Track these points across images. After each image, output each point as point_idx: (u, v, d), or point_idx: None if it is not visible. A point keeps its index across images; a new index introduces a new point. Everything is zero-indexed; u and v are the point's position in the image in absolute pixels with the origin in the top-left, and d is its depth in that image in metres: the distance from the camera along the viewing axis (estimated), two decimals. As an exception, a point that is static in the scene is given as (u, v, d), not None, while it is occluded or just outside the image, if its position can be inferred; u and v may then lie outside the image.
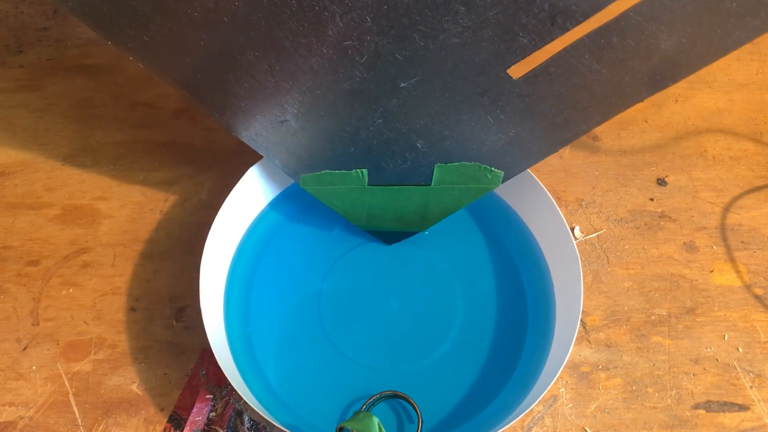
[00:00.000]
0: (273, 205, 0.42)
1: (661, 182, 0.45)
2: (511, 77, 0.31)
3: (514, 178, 0.40)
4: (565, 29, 0.28)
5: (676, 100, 0.50)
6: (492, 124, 0.33)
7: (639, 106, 0.49)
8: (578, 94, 0.31)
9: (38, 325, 0.40)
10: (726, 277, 0.41)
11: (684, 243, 0.43)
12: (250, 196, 0.40)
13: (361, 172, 0.36)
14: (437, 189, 0.37)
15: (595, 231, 0.43)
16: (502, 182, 0.36)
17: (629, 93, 0.31)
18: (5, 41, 0.53)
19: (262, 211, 0.42)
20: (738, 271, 0.42)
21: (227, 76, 0.32)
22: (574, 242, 0.36)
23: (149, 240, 0.43)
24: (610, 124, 0.48)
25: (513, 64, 0.30)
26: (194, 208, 0.44)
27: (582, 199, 0.45)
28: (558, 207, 0.38)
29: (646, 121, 0.49)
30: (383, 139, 0.35)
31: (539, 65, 0.30)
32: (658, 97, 0.50)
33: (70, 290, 0.41)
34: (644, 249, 0.42)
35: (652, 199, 0.45)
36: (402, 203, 0.38)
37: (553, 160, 0.46)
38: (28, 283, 0.41)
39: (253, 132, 0.35)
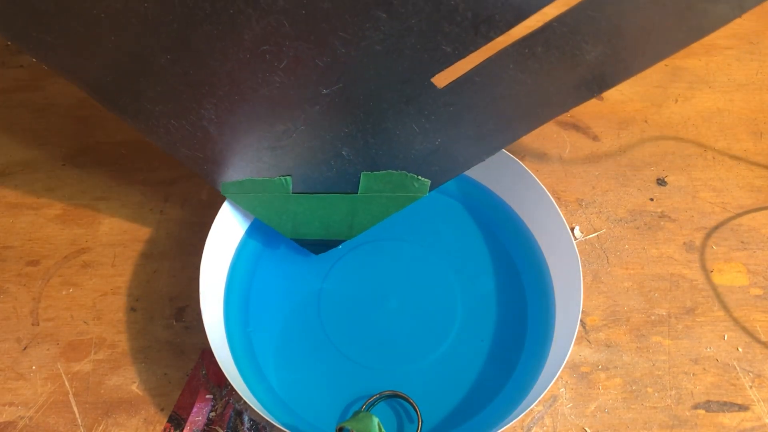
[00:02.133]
0: (273, 205, 0.42)
1: (661, 182, 0.45)
2: (435, 86, 0.30)
3: (515, 178, 0.40)
4: (488, 38, 0.28)
5: (676, 100, 0.50)
6: (418, 133, 0.33)
7: (638, 106, 0.49)
8: (504, 103, 0.31)
9: (38, 325, 0.40)
10: (726, 277, 0.41)
11: (684, 243, 0.43)
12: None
13: (285, 179, 0.35)
14: (364, 197, 0.36)
15: (595, 231, 0.43)
16: (430, 190, 0.36)
17: (555, 103, 0.31)
18: (5, 41, 0.53)
19: (262, 211, 0.42)
20: (738, 271, 0.42)
21: (139, 80, 0.30)
22: (574, 242, 0.36)
23: (149, 240, 0.43)
24: (610, 124, 0.48)
25: (437, 73, 0.30)
26: (194, 208, 0.44)
27: (582, 199, 0.45)
28: (558, 207, 0.38)
29: (646, 121, 0.49)
30: (307, 147, 0.34)
31: (463, 74, 0.30)
32: (658, 97, 0.50)
33: (70, 290, 0.41)
34: (644, 249, 0.42)
35: (652, 199, 0.45)
36: (328, 211, 0.37)
37: (553, 160, 0.47)
38: (28, 283, 0.41)
39: (169, 138, 0.33)
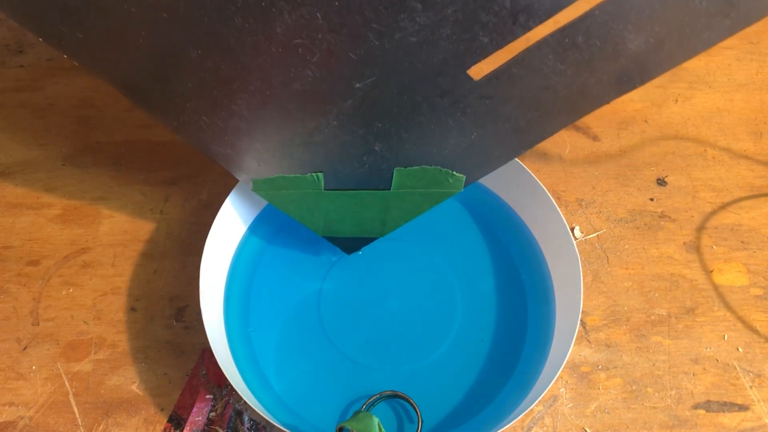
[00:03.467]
0: (273, 205, 0.42)
1: (661, 182, 0.45)
2: (471, 78, 0.29)
3: (515, 178, 0.40)
4: (527, 28, 0.27)
5: (676, 100, 0.50)
6: (452, 127, 0.32)
7: (638, 106, 0.49)
8: (542, 96, 0.30)
9: (38, 325, 0.40)
10: (726, 277, 0.41)
11: (684, 243, 0.43)
12: (251, 196, 0.40)
13: (317, 176, 0.35)
14: (397, 193, 0.35)
15: (595, 231, 0.43)
16: (465, 186, 0.35)
17: (595, 95, 0.30)
18: (5, 41, 0.53)
19: (262, 211, 0.42)
20: (738, 271, 0.42)
21: (170, 76, 0.30)
22: (574, 242, 0.36)
23: (149, 240, 0.43)
24: (610, 124, 0.48)
25: (473, 65, 0.29)
26: (194, 208, 0.44)
27: (582, 199, 0.45)
28: (558, 207, 0.37)
29: (646, 121, 0.49)
30: (339, 142, 0.33)
31: (501, 66, 0.29)
32: (658, 97, 0.50)
33: (70, 290, 0.41)
34: (644, 249, 0.42)
35: (652, 199, 0.45)
36: (361, 208, 0.36)
37: (553, 160, 0.47)
38: (28, 283, 0.41)
39: (200, 135, 0.33)
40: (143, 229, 0.43)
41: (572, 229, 0.43)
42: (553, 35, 0.27)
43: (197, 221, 0.44)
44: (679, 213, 0.44)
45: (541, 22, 0.27)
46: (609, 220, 0.44)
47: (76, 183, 0.46)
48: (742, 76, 0.51)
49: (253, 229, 0.41)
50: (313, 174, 0.35)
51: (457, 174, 0.34)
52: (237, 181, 0.38)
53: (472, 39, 0.27)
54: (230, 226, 0.39)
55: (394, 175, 0.35)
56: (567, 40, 0.27)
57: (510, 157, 0.34)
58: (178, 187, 0.45)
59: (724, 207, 0.44)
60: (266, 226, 0.41)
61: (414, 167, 0.34)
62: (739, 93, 0.50)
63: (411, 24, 0.27)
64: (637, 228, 0.43)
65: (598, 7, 0.26)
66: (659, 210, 0.44)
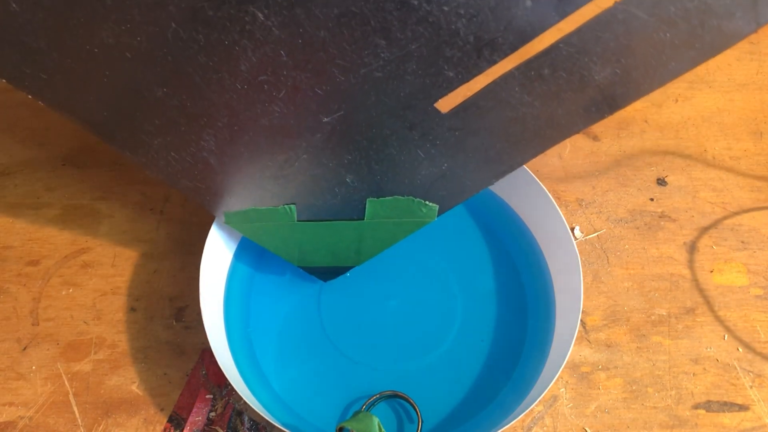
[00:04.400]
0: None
1: (661, 182, 0.45)
2: (439, 111, 0.30)
3: (515, 178, 0.40)
4: (492, 62, 0.27)
5: (676, 100, 0.50)
6: (423, 158, 0.32)
7: (639, 105, 0.49)
8: (510, 127, 0.30)
9: (38, 325, 0.40)
10: (726, 277, 0.41)
11: (684, 243, 0.43)
12: (250, 196, 0.40)
13: (290, 207, 0.35)
14: (371, 223, 0.36)
15: (595, 231, 0.43)
16: (438, 215, 0.35)
17: (564, 125, 0.30)
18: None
19: (262, 211, 0.42)
20: (738, 271, 0.42)
21: (135, 114, 0.30)
22: (574, 242, 0.36)
23: (149, 240, 0.43)
24: (610, 124, 0.48)
25: (440, 98, 0.29)
26: (194, 208, 0.44)
27: (582, 199, 0.45)
28: (558, 207, 0.37)
29: (646, 121, 0.49)
30: (310, 175, 0.33)
31: (468, 99, 0.29)
32: (658, 97, 0.50)
33: (70, 290, 0.41)
34: (644, 249, 0.42)
35: (652, 199, 0.45)
36: (335, 239, 0.37)
37: (553, 160, 0.47)
38: (28, 283, 0.41)
39: (169, 170, 0.33)
40: (143, 229, 0.43)
41: (572, 229, 0.43)
42: (518, 68, 0.28)
43: (197, 221, 0.44)
44: (679, 213, 0.44)
45: (505, 55, 0.27)
46: (609, 220, 0.44)
47: (76, 183, 0.46)
48: (742, 76, 0.51)
49: (253, 229, 0.41)
50: (286, 206, 0.35)
51: (430, 204, 0.34)
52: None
53: (438, 73, 0.28)
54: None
55: (367, 205, 0.35)
56: (533, 73, 0.28)
57: (482, 186, 0.34)
58: (178, 187, 0.45)
59: (724, 207, 0.44)
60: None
61: (387, 198, 0.34)
62: (739, 93, 0.50)
63: (375, 60, 0.27)
64: (637, 228, 0.43)
65: (562, 40, 0.27)
66: (659, 210, 0.44)
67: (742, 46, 0.53)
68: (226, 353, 0.35)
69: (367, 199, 0.35)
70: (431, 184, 0.34)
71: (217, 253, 0.38)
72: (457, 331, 0.38)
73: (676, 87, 0.50)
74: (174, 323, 0.40)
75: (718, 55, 0.26)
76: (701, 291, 0.41)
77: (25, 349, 0.39)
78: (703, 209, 0.44)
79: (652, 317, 0.40)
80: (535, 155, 0.32)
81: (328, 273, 0.39)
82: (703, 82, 0.51)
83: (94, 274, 0.42)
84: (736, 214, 0.44)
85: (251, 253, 0.41)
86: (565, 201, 0.45)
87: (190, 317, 0.40)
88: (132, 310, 0.40)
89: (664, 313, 0.40)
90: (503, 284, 0.40)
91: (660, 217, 0.44)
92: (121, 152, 0.32)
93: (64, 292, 0.41)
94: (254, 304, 0.39)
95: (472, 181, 0.34)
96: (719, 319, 0.40)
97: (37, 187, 0.45)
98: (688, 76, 0.51)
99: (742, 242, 0.43)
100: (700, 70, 0.51)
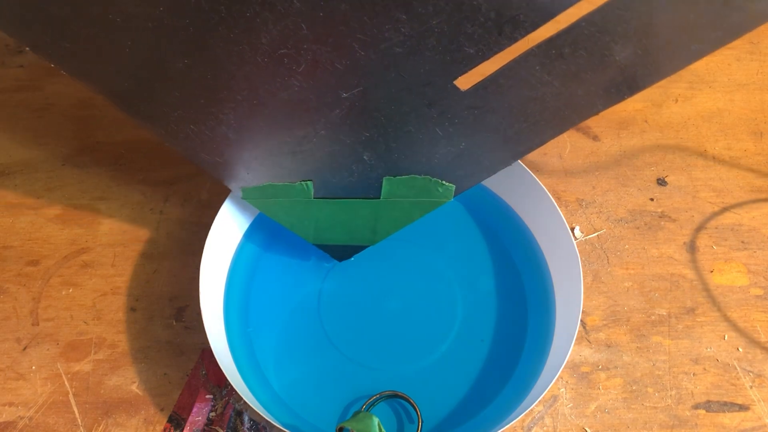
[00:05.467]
0: (273, 205, 0.42)
1: (661, 182, 0.45)
2: (458, 89, 0.29)
3: (515, 178, 0.40)
4: (513, 39, 0.27)
5: (676, 100, 0.50)
6: (441, 137, 0.32)
7: (639, 106, 0.49)
8: (530, 106, 0.30)
9: (38, 325, 0.40)
10: (726, 277, 0.41)
11: (684, 243, 0.43)
12: (250, 196, 0.40)
13: (307, 184, 0.35)
14: (387, 202, 0.35)
15: (595, 231, 0.43)
16: (455, 195, 0.35)
17: (583, 106, 0.30)
18: (5, 41, 0.53)
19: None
20: (738, 271, 0.42)
21: (156, 85, 0.30)
22: (574, 242, 0.36)
23: (149, 240, 0.43)
24: (610, 124, 0.48)
25: (460, 75, 0.29)
26: (194, 208, 0.44)
27: (582, 199, 0.45)
28: (558, 207, 0.37)
29: (646, 121, 0.49)
30: (328, 151, 0.33)
31: (488, 77, 0.29)
32: (658, 97, 0.50)
33: (70, 290, 0.41)
34: (644, 249, 0.42)
35: (652, 199, 0.45)
36: (351, 216, 0.36)
37: (553, 160, 0.47)
38: (28, 283, 0.41)
39: (188, 143, 0.33)
40: (143, 229, 0.43)
41: (572, 229, 0.43)
42: (539, 46, 0.27)
43: (197, 221, 0.44)
44: (679, 213, 0.44)
45: (526, 33, 0.27)
46: (609, 220, 0.44)
47: (76, 183, 0.46)
48: (742, 76, 0.51)
49: (253, 229, 0.41)
50: (303, 182, 0.35)
51: (447, 183, 0.34)
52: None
53: (458, 50, 0.27)
54: (230, 225, 0.39)
55: (384, 184, 0.35)
56: (554, 52, 0.27)
57: (500, 167, 0.34)
58: (178, 187, 0.45)
59: (724, 207, 0.44)
60: (266, 226, 0.41)
61: (403, 176, 0.34)
62: (739, 93, 0.50)
63: (396, 34, 0.27)
64: (638, 228, 0.43)
65: (584, 18, 0.26)
66: (659, 210, 0.44)
67: (742, 46, 0.53)
68: (226, 353, 0.35)
69: (384, 178, 0.34)
70: (449, 163, 0.33)
71: (217, 253, 0.38)
72: (457, 332, 0.38)
73: (676, 87, 0.50)
74: (174, 323, 0.40)
75: (742, 36, 0.26)
76: (701, 291, 0.41)
77: (25, 349, 0.39)
78: (703, 209, 0.44)
79: (652, 317, 0.40)
80: (553, 136, 0.32)
81: (343, 251, 0.39)
82: (704, 82, 0.51)
83: (93, 274, 0.42)
84: (737, 214, 0.44)
85: (251, 253, 0.41)
86: (565, 201, 0.45)
87: (190, 317, 0.40)
88: (132, 310, 0.40)
89: (664, 313, 0.40)
90: (503, 284, 0.40)
91: (660, 217, 0.44)
92: (141, 123, 0.32)
93: (64, 292, 0.41)
94: (254, 304, 0.39)
95: (489, 161, 0.33)
96: (719, 319, 0.40)
97: (37, 187, 0.45)
98: (689, 76, 0.51)
99: (743, 242, 0.43)
100: (701, 70, 0.51)
